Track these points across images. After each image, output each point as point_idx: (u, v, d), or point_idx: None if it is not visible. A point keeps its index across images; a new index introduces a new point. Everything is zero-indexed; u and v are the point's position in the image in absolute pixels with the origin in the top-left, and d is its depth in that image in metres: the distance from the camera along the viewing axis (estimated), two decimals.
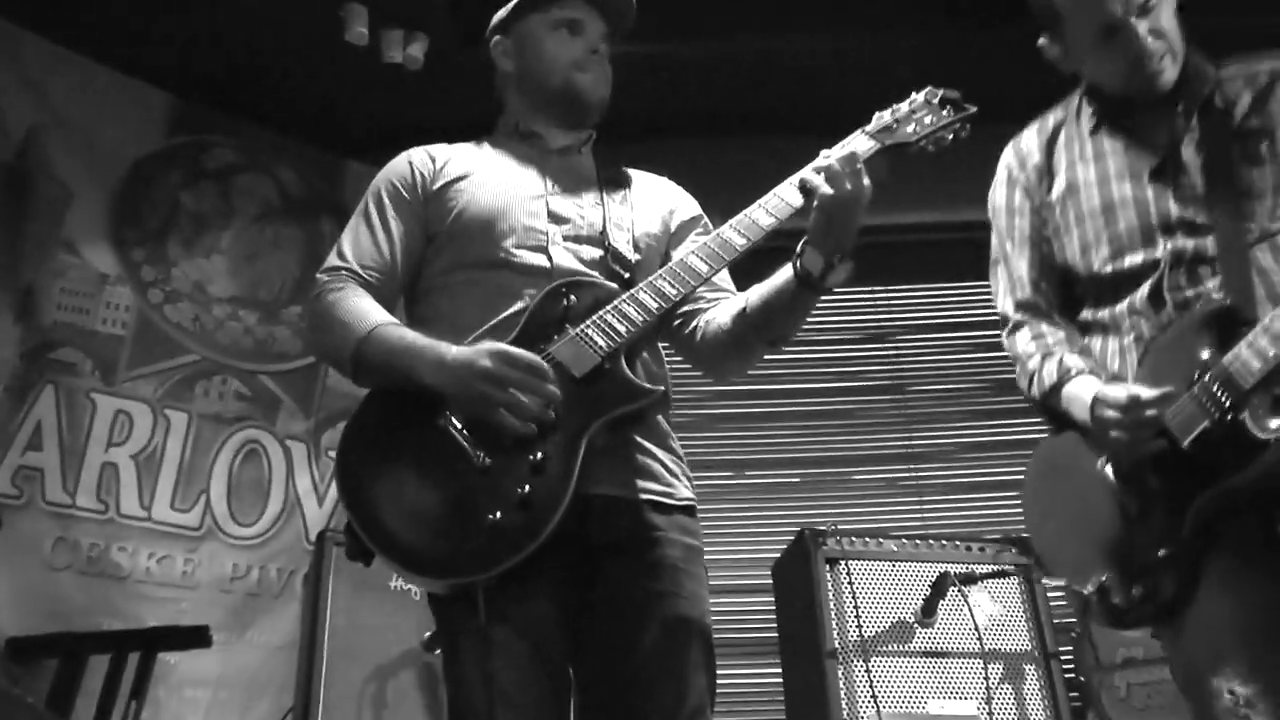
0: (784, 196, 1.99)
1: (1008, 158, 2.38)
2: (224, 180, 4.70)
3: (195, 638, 3.44)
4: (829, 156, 1.92)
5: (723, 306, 2.14)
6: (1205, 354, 1.93)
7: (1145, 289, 2.08)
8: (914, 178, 2.16)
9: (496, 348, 1.85)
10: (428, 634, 3.42)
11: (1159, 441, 1.96)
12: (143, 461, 4.15)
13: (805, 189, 1.93)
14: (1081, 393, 2.08)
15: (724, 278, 2.21)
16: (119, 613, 3.89)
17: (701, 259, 1.98)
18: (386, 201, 2.15)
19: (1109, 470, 2.05)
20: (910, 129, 2.04)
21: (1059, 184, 2.26)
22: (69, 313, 4.14)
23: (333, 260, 2.11)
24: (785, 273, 1.97)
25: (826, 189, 1.88)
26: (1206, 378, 1.91)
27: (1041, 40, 2.24)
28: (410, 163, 2.20)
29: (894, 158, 2.01)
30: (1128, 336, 2.12)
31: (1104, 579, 2.00)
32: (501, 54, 2.30)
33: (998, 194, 2.37)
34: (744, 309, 2.05)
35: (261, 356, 4.57)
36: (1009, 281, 2.34)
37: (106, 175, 4.39)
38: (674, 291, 1.96)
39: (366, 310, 2.00)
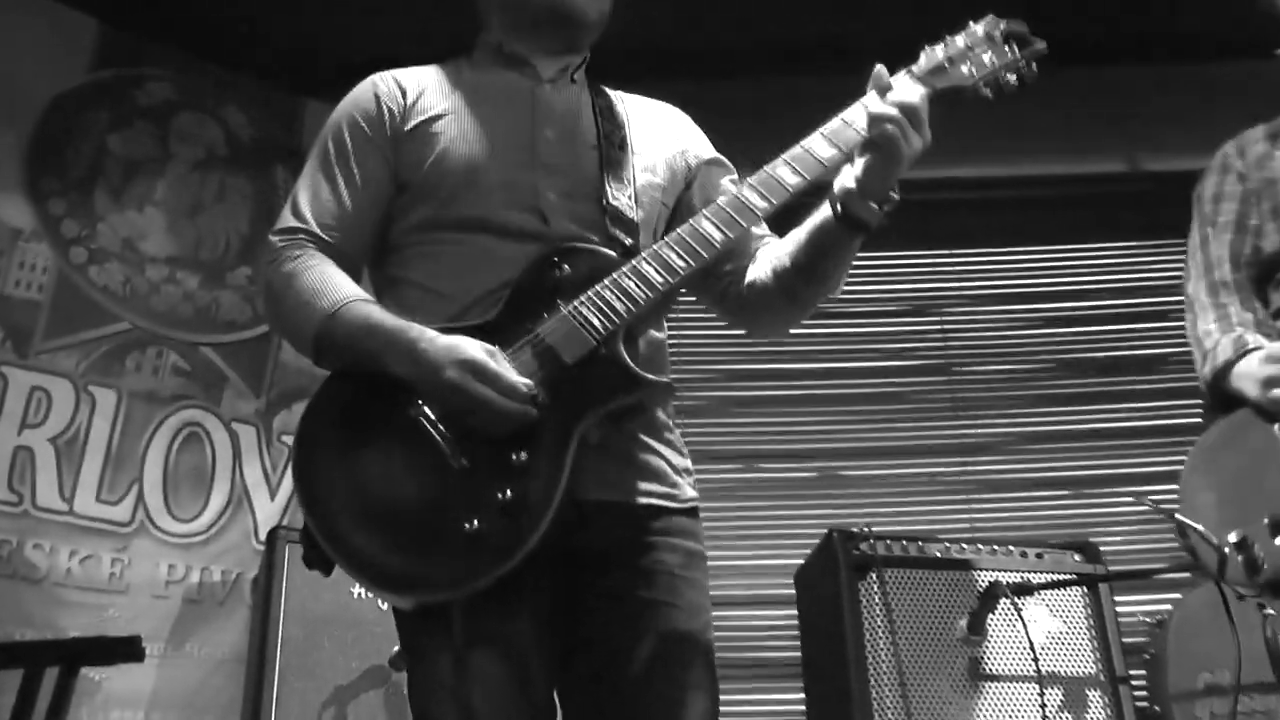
0: (813, 151, 1.98)
1: (1227, 147, 2.61)
2: (160, 121, 4.66)
3: (124, 650, 3.41)
4: (871, 106, 1.91)
5: (762, 264, 2.14)
6: None
7: None
8: (968, 124, 2.16)
9: (467, 357, 1.82)
10: (396, 649, 3.40)
11: None
12: (63, 446, 4.13)
13: (866, 140, 1.91)
14: (1255, 368, 2.26)
15: (761, 227, 2.20)
16: (34, 620, 3.88)
17: (716, 225, 1.97)
18: (349, 144, 2.13)
19: None
20: (966, 69, 2.02)
21: None
22: None
23: (287, 219, 2.09)
24: (826, 220, 1.97)
25: (903, 142, 1.87)
26: None
27: None
28: (376, 95, 2.18)
29: (947, 105, 1.99)
30: None
31: (1247, 533, 2.13)
32: None
33: (1208, 182, 2.60)
34: (790, 266, 2.05)
35: (204, 325, 4.55)
36: (1204, 262, 2.52)
37: (20, 114, 4.37)
38: (682, 264, 1.94)
39: (332, 283, 1.98)
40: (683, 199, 2.23)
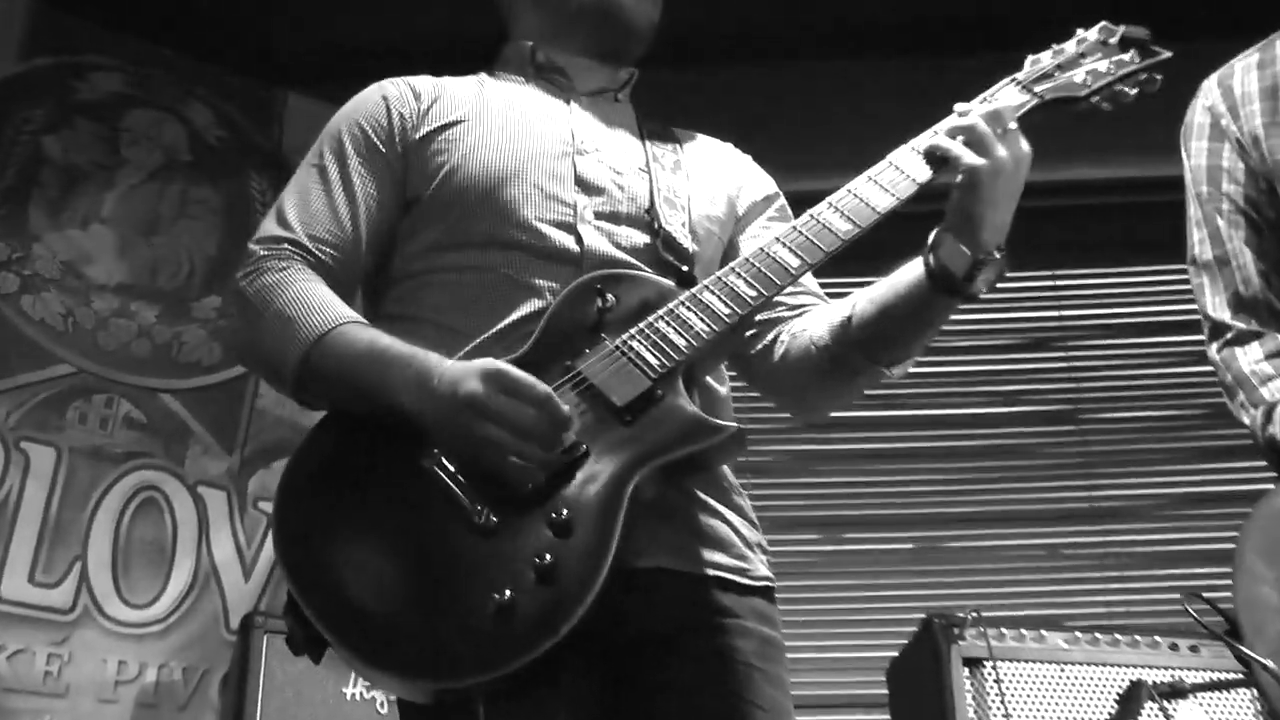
0: (904, 167, 2.00)
1: (1211, 99, 2.51)
2: (108, 119, 4.72)
3: None
4: (966, 114, 1.96)
5: (813, 316, 2.18)
6: None
7: None
8: (1102, 115, 2.17)
9: (491, 367, 1.83)
10: None
11: None
12: None
13: (936, 158, 1.96)
14: None
15: (808, 279, 2.23)
16: None
17: (791, 250, 1.99)
18: (350, 151, 2.18)
19: None
20: (1078, 78, 2.08)
21: None
22: None
23: (271, 228, 2.11)
24: (912, 271, 1.98)
25: (971, 157, 1.90)
26: None
27: None
28: (385, 98, 2.24)
29: (1056, 115, 2.05)
30: None
31: None
32: None
33: (1195, 145, 2.51)
34: (848, 319, 2.07)
35: (163, 368, 4.58)
36: (1225, 276, 2.44)
37: None
38: (753, 293, 1.96)
39: (322, 300, 2.00)
40: (734, 239, 2.30)
